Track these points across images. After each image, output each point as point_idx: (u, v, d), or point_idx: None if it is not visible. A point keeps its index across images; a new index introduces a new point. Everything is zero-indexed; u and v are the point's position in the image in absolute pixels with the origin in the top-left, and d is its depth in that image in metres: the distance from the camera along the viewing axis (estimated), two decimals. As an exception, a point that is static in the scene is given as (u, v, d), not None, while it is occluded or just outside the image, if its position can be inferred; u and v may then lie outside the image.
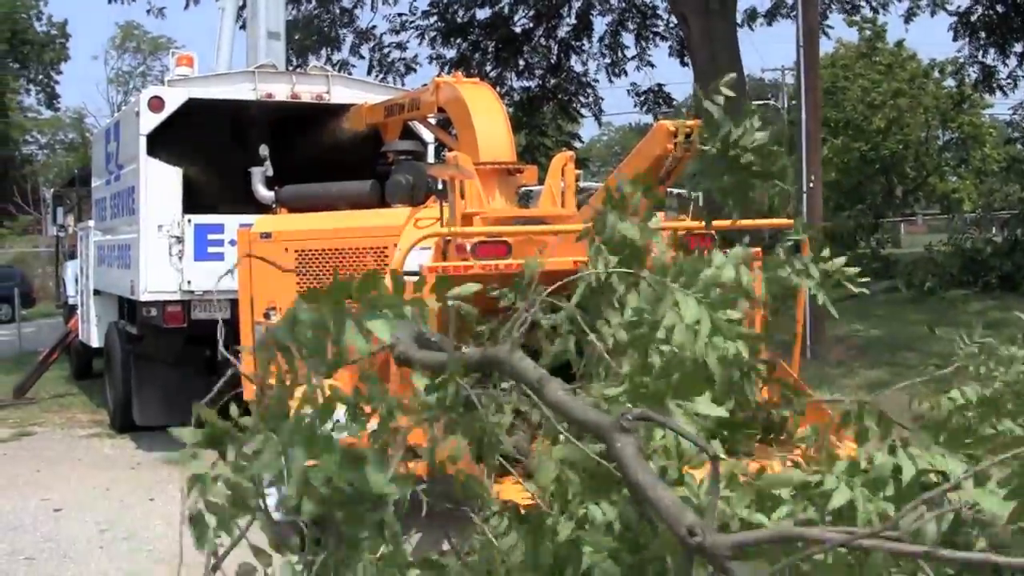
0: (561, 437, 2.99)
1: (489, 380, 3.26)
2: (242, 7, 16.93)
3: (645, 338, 3.10)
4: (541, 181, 8.28)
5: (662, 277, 3.19)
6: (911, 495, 2.52)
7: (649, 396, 2.89)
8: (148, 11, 26.61)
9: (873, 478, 2.61)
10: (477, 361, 3.07)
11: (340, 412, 2.89)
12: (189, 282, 10.65)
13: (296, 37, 23.66)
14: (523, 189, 8.34)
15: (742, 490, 2.75)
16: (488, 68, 26.82)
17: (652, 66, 27.99)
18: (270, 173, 10.57)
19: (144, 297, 10.73)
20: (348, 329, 2.67)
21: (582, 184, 8.40)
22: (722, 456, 2.55)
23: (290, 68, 14.29)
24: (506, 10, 27.58)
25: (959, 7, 28.35)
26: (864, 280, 3.83)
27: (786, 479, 2.80)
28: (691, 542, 2.19)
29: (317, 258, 8.63)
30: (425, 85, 9.76)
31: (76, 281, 15.72)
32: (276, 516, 4.12)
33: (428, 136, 11.50)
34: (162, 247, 10.68)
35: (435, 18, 27.24)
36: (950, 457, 2.68)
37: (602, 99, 28.83)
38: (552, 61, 28.19)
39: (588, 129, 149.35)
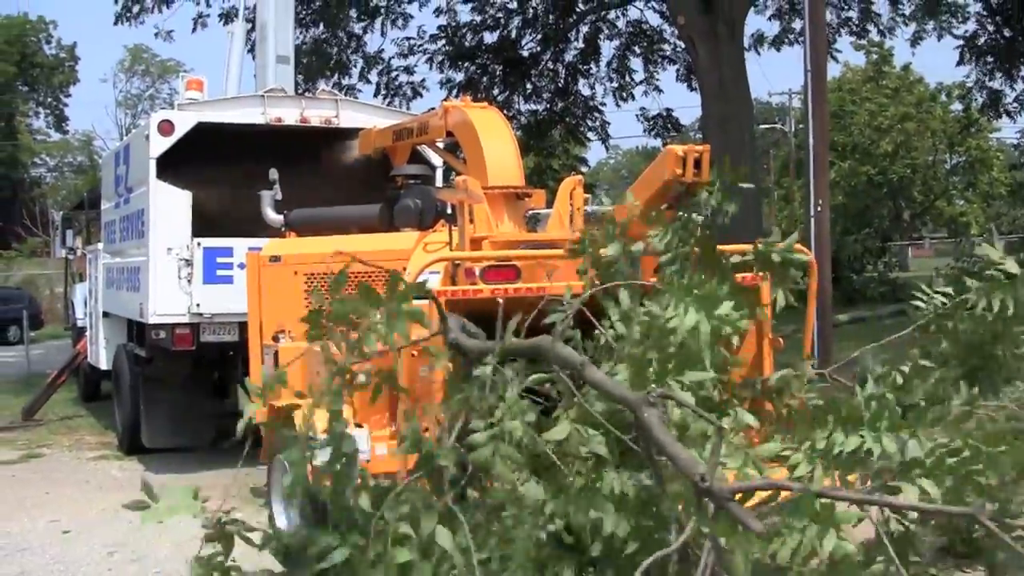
0: (593, 410, 3.65)
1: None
2: (251, 30, 17.03)
3: (656, 332, 3.82)
4: (549, 204, 8.29)
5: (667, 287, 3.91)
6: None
7: (656, 378, 3.67)
8: (156, 34, 26.74)
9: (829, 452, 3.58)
10: (524, 348, 3.70)
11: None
12: (198, 305, 10.67)
13: (303, 61, 23.76)
14: (531, 212, 8.35)
15: (735, 454, 3.60)
16: (496, 92, 26.88)
17: (659, 91, 28.08)
18: (279, 197, 10.60)
19: (153, 320, 10.74)
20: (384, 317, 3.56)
21: (590, 208, 8.41)
22: (724, 427, 3.33)
23: (298, 92, 14.33)
24: (513, 34, 27.68)
25: (966, 31, 28.41)
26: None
27: (767, 449, 3.78)
28: (702, 486, 2.96)
29: (326, 282, 8.63)
30: (433, 109, 9.78)
31: (85, 303, 15.75)
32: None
33: (437, 160, 11.53)
34: (171, 270, 10.70)
35: (443, 42, 27.35)
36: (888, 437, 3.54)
37: (608, 123, 28.91)
38: (560, 85, 28.26)
39: (595, 152, 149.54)
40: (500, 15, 27.71)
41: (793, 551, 3.01)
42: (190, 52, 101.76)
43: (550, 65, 28.26)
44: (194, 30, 25.97)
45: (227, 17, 24.56)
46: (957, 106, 45.58)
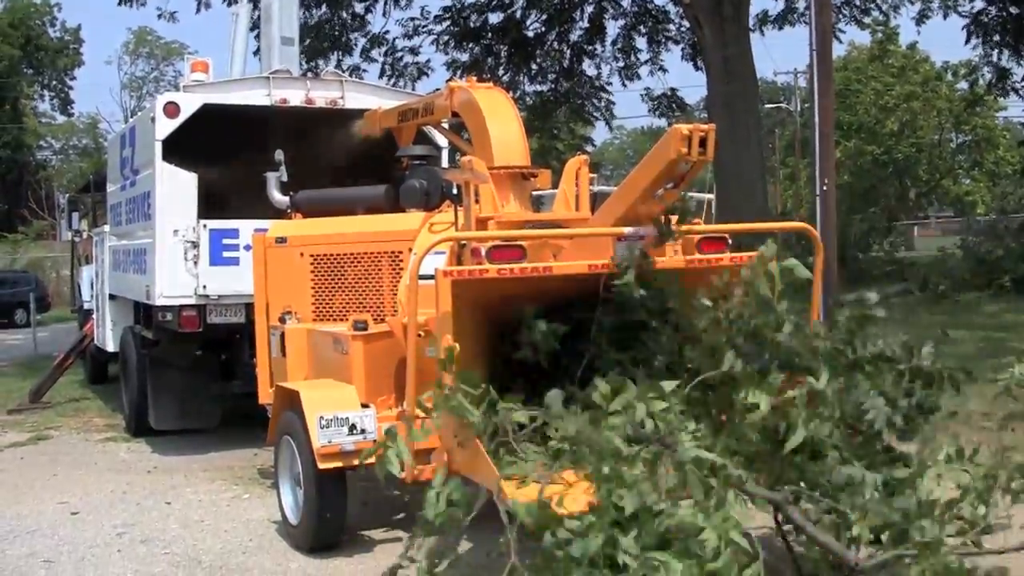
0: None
1: None
2: (255, 10, 16.97)
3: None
4: (554, 185, 8.28)
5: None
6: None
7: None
8: (159, 15, 26.66)
9: None
10: None
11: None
12: (204, 287, 10.67)
13: (306, 41, 23.69)
14: (535, 193, 8.33)
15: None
16: (501, 72, 26.82)
17: (664, 70, 28.01)
18: (285, 178, 10.59)
19: (160, 302, 10.75)
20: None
21: (595, 188, 8.40)
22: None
23: (303, 73, 14.28)
24: (518, 14, 27.59)
25: (972, 8, 28.26)
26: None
27: None
28: (854, 568, 3.72)
29: (332, 263, 8.65)
30: (438, 90, 9.74)
31: (91, 286, 15.76)
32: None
33: (442, 141, 11.51)
34: (177, 252, 10.69)
35: (448, 23, 27.27)
36: None
37: (614, 103, 28.84)
38: (565, 65, 28.18)
39: (600, 133, 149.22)
40: (505, -5, 27.64)
41: None
42: (194, 34, 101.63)
43: (555, 45, 28.17)
44: (198, 11, 25.91)
45: (231, -2, 24.51)
46: (963, 85, 45.49)
